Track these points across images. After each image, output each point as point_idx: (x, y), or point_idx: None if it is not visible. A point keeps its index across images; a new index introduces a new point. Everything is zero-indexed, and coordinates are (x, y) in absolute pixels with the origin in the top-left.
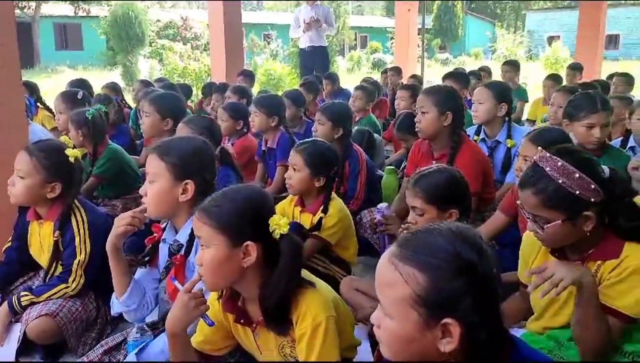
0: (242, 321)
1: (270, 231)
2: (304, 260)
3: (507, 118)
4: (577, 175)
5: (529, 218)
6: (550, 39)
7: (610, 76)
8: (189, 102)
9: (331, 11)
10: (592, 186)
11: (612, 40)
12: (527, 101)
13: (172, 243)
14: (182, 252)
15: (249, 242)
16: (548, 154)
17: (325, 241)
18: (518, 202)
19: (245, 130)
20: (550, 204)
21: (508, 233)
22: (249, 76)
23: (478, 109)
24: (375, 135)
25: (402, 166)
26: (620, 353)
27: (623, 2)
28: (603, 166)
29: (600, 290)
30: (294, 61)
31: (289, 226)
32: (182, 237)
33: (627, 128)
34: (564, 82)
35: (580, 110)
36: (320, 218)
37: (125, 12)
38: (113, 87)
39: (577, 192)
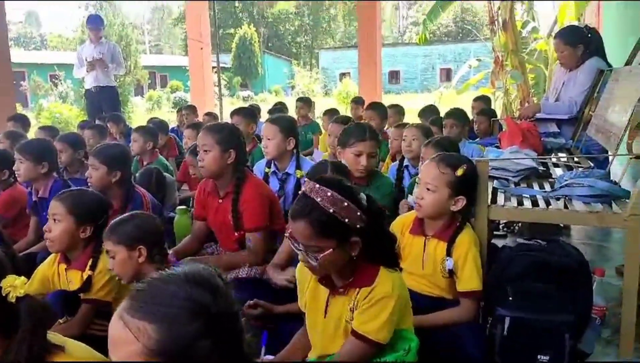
0: None
1: (4, 295)
2: (81, 330)
3: (295, 151)
4: (345, 204)
5: (300, 249)
6: (342, 76)
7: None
8: None
9: (118, 49)
10: (358, 213)
11: (395, 76)
12: (321, 133)
13: None
14: None
15: None
16: (317, 186)
17: (101, 302)
18: (287, 234)
19: (13, 179)
20: (323, 234)
21: None
22: (21, 121)
23: (268, 145)
24: (167, 175)
25: None
26: None
27: (400, 42)
28: (361, 195)
29: (355, 316)
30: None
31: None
32: None
33: None
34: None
35: (350, 138)
36: (89, 277)
37: None
38: None
39: (346, 220)
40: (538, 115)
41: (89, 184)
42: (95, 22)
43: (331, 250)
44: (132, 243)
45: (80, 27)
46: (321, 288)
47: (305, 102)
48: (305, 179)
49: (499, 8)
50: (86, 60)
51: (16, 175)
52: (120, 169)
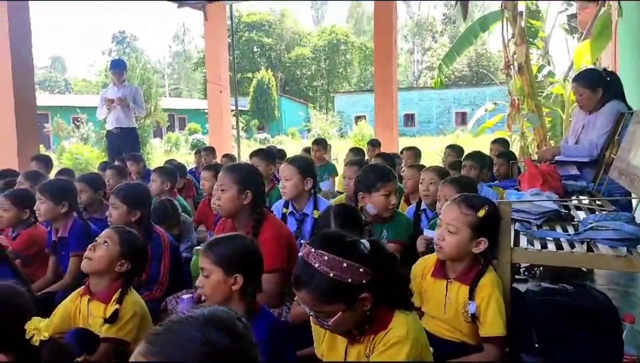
0: None
1: (27, 337)
2: None
3: (312, 191)
4: (345, 264)
5: (311, 314)
6: (357, 119)
7: (402, 151)
8: None
9: (140, 92)
10: (361, 270)
11: (409, 119)
12: (337, 175)
13: None
14: None
15: None
16: (313, 250)
17: (121, 341)
18: (297, 299)
19: (33, 219)
20: (328, 299)
21: None
22: (44, 161)
23: (285, 186)
24: (185, 215)
25: None
26: None
27: (415, 86)
28: (363, 242)
29: (370, 360)
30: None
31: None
32: None
33: None
34: (366, 156)
35: (376, 181)
36: (116, 310)
37: None
38: None
39: (349, 280)
40: (557, 158)
41: (109, 223)
42: (118, 66)
43: (341, 312)
44: (230, 269)
45: (104, 71)
46: (339, 337)
47: (321, 144)
48: (302, 242)
49: (514, 53)
50: (107, 100)
51: (37, 215)
52: (140, 208)
